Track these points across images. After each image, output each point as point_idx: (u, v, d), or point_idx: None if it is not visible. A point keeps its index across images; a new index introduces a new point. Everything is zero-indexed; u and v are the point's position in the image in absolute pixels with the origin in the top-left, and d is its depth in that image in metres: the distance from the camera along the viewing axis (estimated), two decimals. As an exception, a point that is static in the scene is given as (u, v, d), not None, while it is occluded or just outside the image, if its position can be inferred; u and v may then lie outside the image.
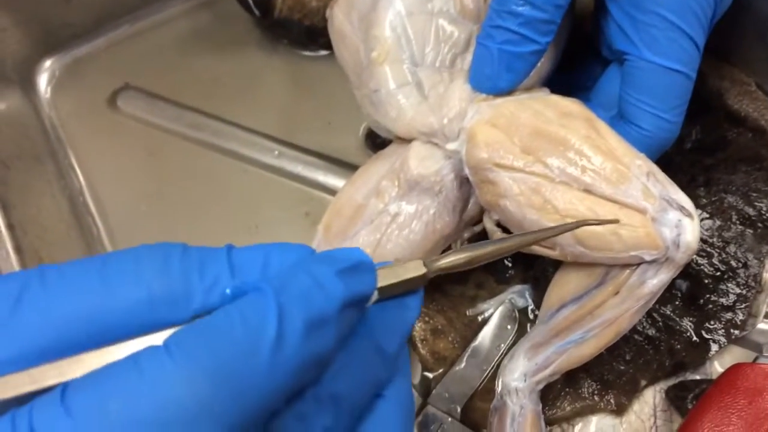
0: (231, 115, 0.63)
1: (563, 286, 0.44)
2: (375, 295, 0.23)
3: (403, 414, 0.25)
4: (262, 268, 0.23)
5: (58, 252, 0.55)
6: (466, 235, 0.47)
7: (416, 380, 0.51)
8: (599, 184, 0.40)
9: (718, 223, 0.48)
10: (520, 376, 0.45)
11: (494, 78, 0.43)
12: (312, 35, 0.61)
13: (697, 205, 0.49)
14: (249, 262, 0.23)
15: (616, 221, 0.38)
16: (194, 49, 0.66)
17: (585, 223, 0.34)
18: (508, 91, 0.44)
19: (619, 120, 0.44)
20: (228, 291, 0.22)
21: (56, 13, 0.63)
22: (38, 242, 0.52)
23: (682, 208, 0.39)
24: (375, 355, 0.24)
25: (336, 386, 0.22)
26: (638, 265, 0.40)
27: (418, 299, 0.26)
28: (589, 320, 0.43)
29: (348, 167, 0.60)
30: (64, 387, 0.19)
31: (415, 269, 0.24)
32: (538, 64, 0.47)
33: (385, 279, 0.24)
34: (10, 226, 0.49)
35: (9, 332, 0.20)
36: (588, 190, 0.40)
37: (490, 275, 0.52)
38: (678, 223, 0.39)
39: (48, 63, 0.66)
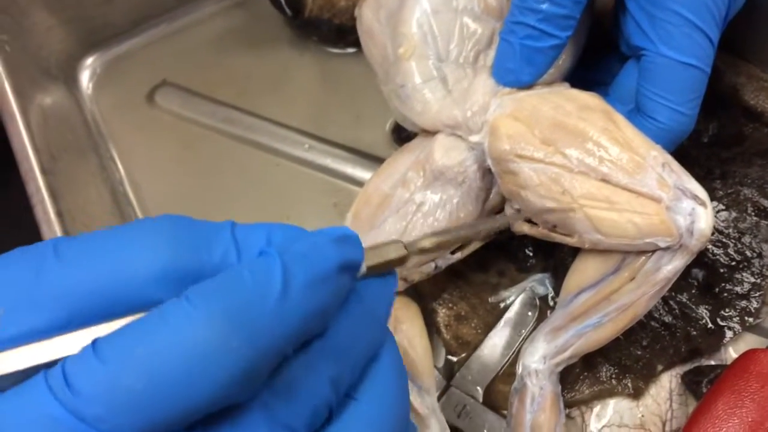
0: (263, 111, 0.65)
1: (582, 272, 0.46)
2: (363, 268, 0.25)
3: (398, 374, 0.27)
4: (265, 243, 0.24)
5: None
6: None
7: (440, 364, 0.53)
8: (616, 174, 0.41)
9: (733, 214, 0.50)
10: (540, 359, 0.46)
11: (516, 72, 0.45)
12: (341, 33, 0.63)
13: (714, 197, 0.50)
14: (253, 239, 0.24)
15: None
16: (228, 47, 0.69)
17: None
18: (530, 85, 0.46)
19: (637, 113, 0.46)
20: None
21: (98, 13, 0.66)
22: (85, 230, 0.55)
23: (695, 197, 0.41)
24: (369, 318, 0.26)
25: (338, 341, 0.24)
26: (653, 251, 0.42)
27: (395, 277, 0.28)
28: (606, 305, 0.44)
29: (375, 160, 0.62)
30: (94, 342, 0.20)
31: (397, 251, 0.27)
32: (559, 61, 0.48)
33: (371, 259, 0.26)
34: (59, 214, 0.52)
35: (35, 304, 0.21)
36: (605, 180, 0.42)
37: (511, 264, 0.54)
38: (692, 212, 0.40)
39: (90, 60, 0.69)
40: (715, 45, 0.43)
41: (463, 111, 0.46)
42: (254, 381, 0.22)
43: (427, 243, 0.29)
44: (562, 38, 0.43)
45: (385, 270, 0.26)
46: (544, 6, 0.42)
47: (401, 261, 0.27)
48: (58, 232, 0.51)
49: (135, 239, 0.23)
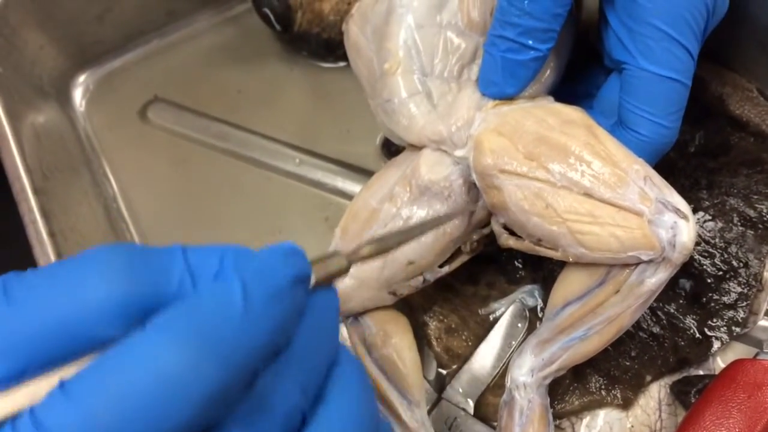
0: (254, 125, 0.66)
1: (567, 285, 0.46)
2: (312, 280, 0.26)
3: (359, 373, 0.28)
4: (219, 268, 0.24)
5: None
6: (475, 237, 0.50)
7: (431, 376, 0.54)
8: (598, 188, 0.42)
9: (720, 224, 0.50)
10: (527, 372, 0.47)
11: (500, 84, 0.45)
12: (330, 47, 0.64)
13: (700, 208, 0.51)
14: (206, 263, 0.24)
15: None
16: (219, 63, 0.69)
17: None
18: (514, 96, 0.46)
19: (620, 126, 0.46)
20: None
21: (89, 30, 0.67)
22: (78, 248, 0.55)
23: (677, 211, 0.41)
24: (324, 326, 0.27)
25: (302, 349, 0.25)
26: (637, 264, 0.42)
27: (335, 291, 0.28)
28: (592, 317, 0.44)
29: (365, 174, 0.62)
30: (61, 384, 0.20)
31: (339, 263, 0.27)
32: (543, 76, 0.49)
33: (317, 272, 0.27)
34: (52, 234, 0.52)
35: None
36: (588, 194, 0.42)
37: (501, 276, 0.55)
38: (674, 225, 0.41)
39: (82, 78, 0.70)
40: (694, 58, 0.44)
41: (448, 126, 0.47)
42: (229, 400, 0.22)
43: (366, 251, 0.30)
44: (543, 51, 0.44)
45: (330, 282, 0.27)
46: (523, 20, 0.43)
47: (343, 272, 0.28)
48: (51, 252, 0.51)
49: (88, 273, 0.22)
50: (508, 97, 0.46)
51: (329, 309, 0.27)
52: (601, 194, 0.42)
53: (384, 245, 0.31)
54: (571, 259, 0.44)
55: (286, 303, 0.24)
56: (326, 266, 0.27)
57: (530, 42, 0.44)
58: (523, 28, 0.43)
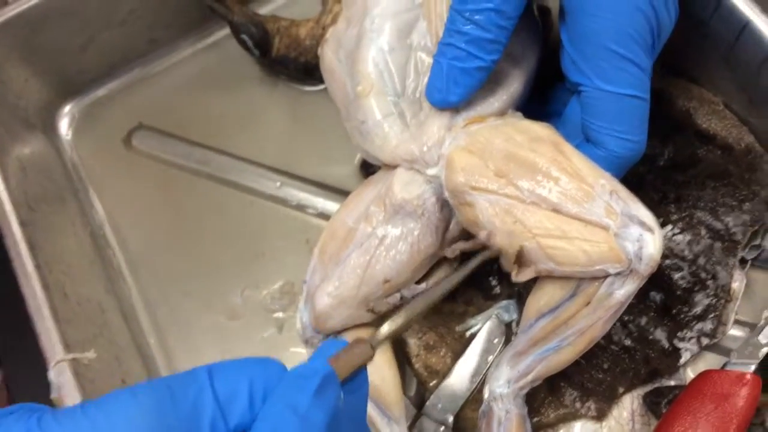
0: (236, 150, 0.67)
1: (540, 298, 0.47)
2: (341, 395, 0.28)
3: None
4: (249, 403, 0.26)
5: (81, 287, 0.58)
6: (449, 254, 0.50)
7: (411, 392, 0.54)
8: (565, 204, 0.43)
9: (688, 237, 0.51)
10: (504, 383, 0.47)
11: (443, 91, 0.47)
12: (308, 71, 0.65)
13: (669, 221, 0.52)
14: (236, 398, 0.26)
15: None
16: (201, 88, 0.70)
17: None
18: (456, 105, 0.48)
19: (587, 144, 0.47)
20: None
21: (72, 61, 0.68)
22: (63, 278, 0.56)
23: (642, 224, 0.42)
24: (354, 429, 0.30)
25: None
26: (606, 277, 0.43)
27: (365, 374, 0.31)
28: (564, 329, 0.45)
29: (345, 195, 0.62)
30: None
31: (364, 353, 0.30)
32: (510, 88, 0.50)
33: (344, 372, 0.28)
34: (38, 266, 0.53)
35: None
36: (556, 210, 0.43)
37: (478, 292, 0.55)
38: (639, 238, 0.42)
39: (68, 108, 0.71)
40: (648, 72, 0.45)
41: (420, 145, 0.48)
42: None
43: (386, 330, 0.32)
44: (487, 61, 0.45)
45: (356, 372, 0.30)
46: (470, 29, 0.44)
47: (369, 359, 0.30)
48: (37, 285, 0.52)
49: (117, 427, 0.23)
50: (452, 105, 0.48)
51: (358, 400, 0.30)
52: (569, 209, 0.43)
53: (404, 320, 0.33)
54: (543, 274, 0.45)
55: None
56: (353, 359, 0.29)
57: (475, 51, 0.45)
58: (470, 37, 0.44)
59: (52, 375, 0.49)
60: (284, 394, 0.26)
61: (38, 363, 0.50)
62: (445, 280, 0.45)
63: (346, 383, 0.29)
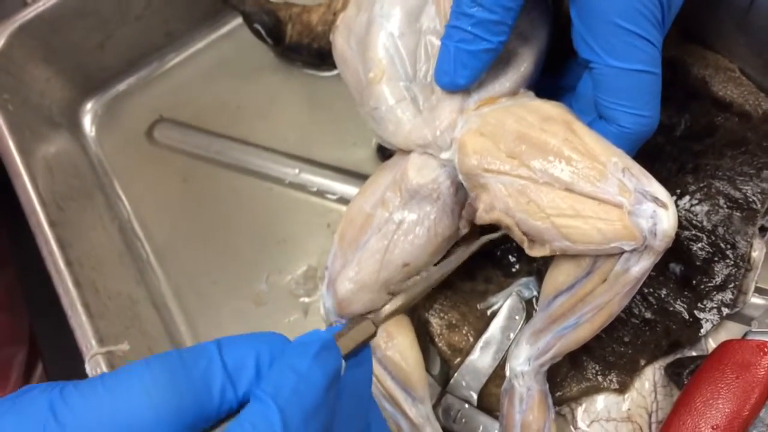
0: (255, 138, 0.68)
1: (557, 276, 0.48)
2: (343, 365, 0.28)
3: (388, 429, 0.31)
4: (256, 372, 0.27)
5: (112, 280, 0.60)
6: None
7: (435, 371, 0.55)
8: (578, 183, 0.43)
9: (707, 207, 0.51)
10: (525, 361, 0.48)
11: (451, 74, 0.47)
12: (322, 56, 0.65)
13: (687, 192, 0.52)
14: (243, 367, 0.27)
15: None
16: (218, 79, 0.71)
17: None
18: (465, 88, 0.48)
19: (600, 120, 0.47)
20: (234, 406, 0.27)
21: (92, 59, 0.69)
22: (94, 274, 0.58)
23: (656, 200, 0.42)
24: (358, 398, 0.30)
25: (339, 428, 0.28)
26: (621, 254, 0.44)
27: (369, 350, 0.31)
28: (582, 306, 0.46)
29: (364, 179, 0.63)
30: None
31: (367, 329, 0.30)
32: (522, 68, 0.50)
33: (346, 346, 0.29)
34: (69, 263, 0.55)
35: None
36: (569, 189, 0.43)
37: (497, 270, 0.56)
38: (653, 214, 0.42)
39: (90, 104, 0.72)
40: (658, 46, 0.44)
41: (433, 129, 0.48)
42: None
43: (389, 308, 0.33)
44: (494, 43, 0.45)
45: (359, 349, 0.30)
46: (476, 11, 0.44)
47: (372, 336, 0.30)
48: (69, 281, 0.54)
49: (133, 394, 0.25)
50: (461, 88, 0.48)
51: (361, 378, 0.30)
52: (582, 188, 0.43)
53: (405, 299, 0.34)
54: (558, 252, 0.45)
55: (321, 413, 0.26)
56: (354, 336, 0.30)
57: (482, 33, 0.45)
58: (476, 19, 0.44)
59: (88, 368, 0.51)
60: (286, 358, 0.28)
61: (75, 357, 0.52)
62: (446, 261, 0.46)
63: (349, 358, 0.30)
